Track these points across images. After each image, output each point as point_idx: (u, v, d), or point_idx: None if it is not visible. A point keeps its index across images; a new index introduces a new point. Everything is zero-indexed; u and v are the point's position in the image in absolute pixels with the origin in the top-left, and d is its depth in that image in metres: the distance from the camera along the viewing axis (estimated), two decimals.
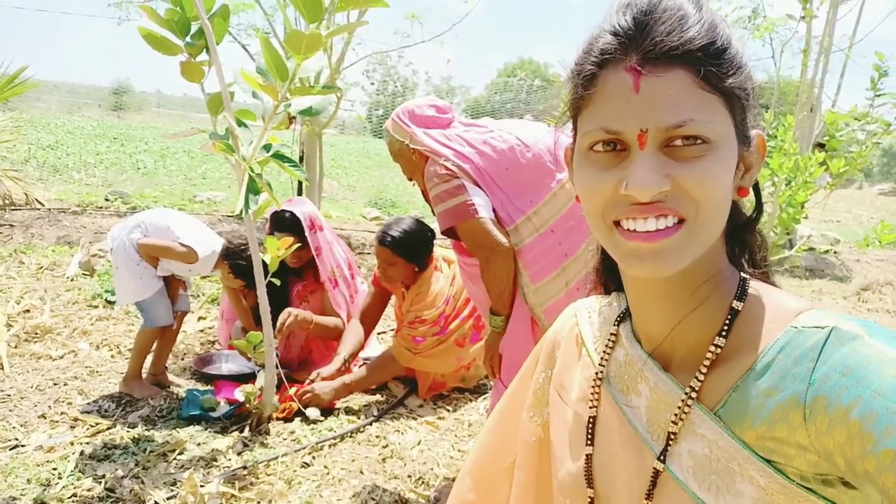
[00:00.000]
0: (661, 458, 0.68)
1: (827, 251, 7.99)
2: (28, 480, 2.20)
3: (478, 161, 2.00)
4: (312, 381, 2.93)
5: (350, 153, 14.64)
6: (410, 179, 2.24)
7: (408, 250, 2.97)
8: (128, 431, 2.56)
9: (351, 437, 2.66)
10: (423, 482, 2.34)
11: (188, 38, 2.42)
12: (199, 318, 4.00)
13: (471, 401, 3.11)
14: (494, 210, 1.98)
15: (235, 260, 3.01)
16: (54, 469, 2.27)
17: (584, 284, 2.08)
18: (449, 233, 2.03)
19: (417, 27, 7.91)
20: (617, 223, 0.64)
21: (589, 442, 0.78)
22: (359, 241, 6.87)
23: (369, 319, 3.27)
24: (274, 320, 3.13)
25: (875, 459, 0.51)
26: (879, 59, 4.44)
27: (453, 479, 2.34)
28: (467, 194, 1.95)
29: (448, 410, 2.99)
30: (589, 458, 0.78)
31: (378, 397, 3.08)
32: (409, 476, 2.36)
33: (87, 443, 2.47)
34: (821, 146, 7.85)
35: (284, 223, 3.26)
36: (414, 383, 3.21)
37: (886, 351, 0.55)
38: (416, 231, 3.01)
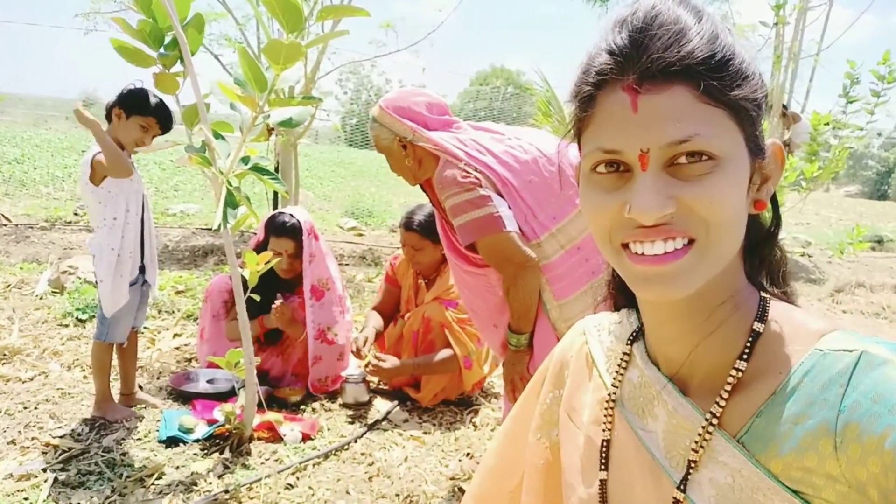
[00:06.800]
0: (682, 486, 0.65)
1: (802, 254, 8.11)
2: None
3: (500, 170, 1.88)
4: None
5: (325, 163, 14.53)
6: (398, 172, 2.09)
7: (435, 232, 2.78)
8: (102, 456, 2.46)
9: (335, 454, 2.59)
10: (411, 501, 2.29)
11: (162, 49, 2.35)
12: (175, 336, 3.89)
13: (456, 414, 3.06)
14: (517, 223, 1.88)
15: None
16: (26, 499, 2.17)
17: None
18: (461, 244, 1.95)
19: (392, 36, 7.88)
20: (625, 246, 0.62)
21: (603, 467, 0.75)
22: (336, 251, 6.79)
23: (386, 311, 3.31)
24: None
25: None
26: (851, 66, 4.53)
27: (442, 497, 2.30)
28: (493, 205, 1.82)
29: (433, 424, 2.93)
30: (603, 483, 0.75)
31: (361, 412, 3.02)
32: (398, 495, 2.30)
33: (61, 469, 2.37)
34: (785, 144, 7.99)
35: (284, 227, 3.16)
36: (401, 397, 3.15)
37: None
38: None
